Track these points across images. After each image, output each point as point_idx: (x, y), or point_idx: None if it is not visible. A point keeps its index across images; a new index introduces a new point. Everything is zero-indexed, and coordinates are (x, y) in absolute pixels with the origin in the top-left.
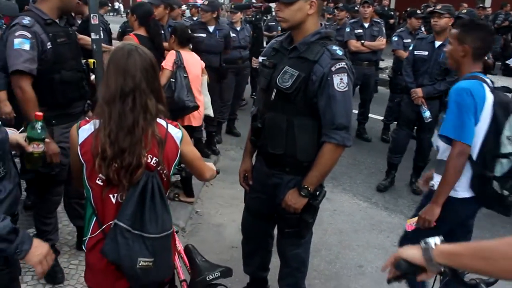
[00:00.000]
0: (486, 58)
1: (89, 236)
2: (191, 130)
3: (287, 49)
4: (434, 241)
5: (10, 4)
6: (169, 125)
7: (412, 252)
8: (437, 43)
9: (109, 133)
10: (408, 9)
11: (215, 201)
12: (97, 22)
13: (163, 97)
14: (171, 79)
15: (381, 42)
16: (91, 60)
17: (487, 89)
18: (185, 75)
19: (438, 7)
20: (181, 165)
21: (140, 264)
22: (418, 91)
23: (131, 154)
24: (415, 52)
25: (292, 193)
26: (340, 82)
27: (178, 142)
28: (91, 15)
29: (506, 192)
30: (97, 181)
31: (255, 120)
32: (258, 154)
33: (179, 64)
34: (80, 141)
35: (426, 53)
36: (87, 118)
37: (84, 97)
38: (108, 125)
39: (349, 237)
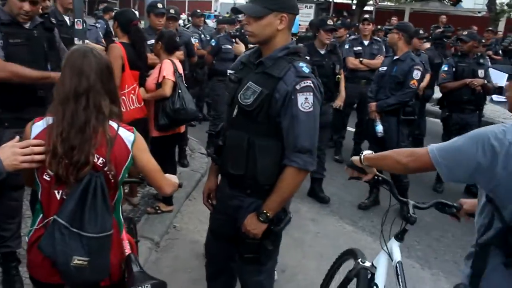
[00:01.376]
0: (486, 82)
1: (34, 227)
2: (178, 137)
3: (254, 63)
4: (366, 152)
5: None
6: (120, 128)
7: (355, 157)
8: (394, 58)
9: (61, 131)
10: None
11: (195, 217)
12: (81, 27)
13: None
14: (178, 90)
15: (379, 60)
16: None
17: None
18: (185, 84)
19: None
20: (141, 174)
21: (74, 262)
22: (371, 105)
23: (80, 151)
24: (380, 68)
25: (251, 218)
26: (304, 101)
27: (129, 145)
28: (75, 19)
29: None
30: (44, 177)
31: (218, 137)
32: (221, 173)
33: (178, 74)
34: (32, 137)
35: (386, 68)
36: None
37: (39, 104)
38: (61, 124)
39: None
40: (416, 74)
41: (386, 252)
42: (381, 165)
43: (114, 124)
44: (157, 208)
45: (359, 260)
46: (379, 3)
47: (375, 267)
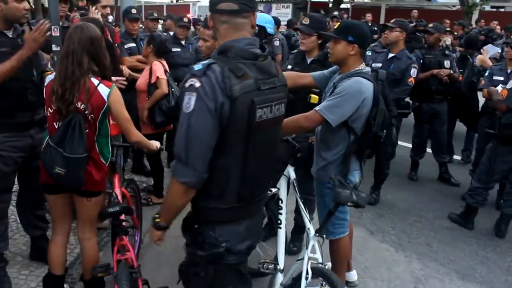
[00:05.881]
0: (452, 72)
1: (43, 145)
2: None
3: None
4: None
5: None
6: (100, 84)
7: None
8: (390, 55)
9: (59, 79)
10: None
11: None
12: (58, 34)
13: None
14: (171, 89)
15: None
16: (47, 73)
17: None
18: (176, 83)
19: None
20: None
21: (55, 170)
22: None
23: (70, 93)
24: (373, 65)
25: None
26: (187, 102)
27: (105, 96)
28: (53, 27)
29: None
30: (49, 111)
31: None
32: None
33: (168, 74)
34: (45, 84)
35: (380, 65)
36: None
37: (28, 108)
38: (59, 74)
39: None
40: (413, 72)
41: (285, 176)
42: (286, 132)
43: (95, 81)
44: (149, 200)
45: None
46: (355, 1)
47: (279, 188)
